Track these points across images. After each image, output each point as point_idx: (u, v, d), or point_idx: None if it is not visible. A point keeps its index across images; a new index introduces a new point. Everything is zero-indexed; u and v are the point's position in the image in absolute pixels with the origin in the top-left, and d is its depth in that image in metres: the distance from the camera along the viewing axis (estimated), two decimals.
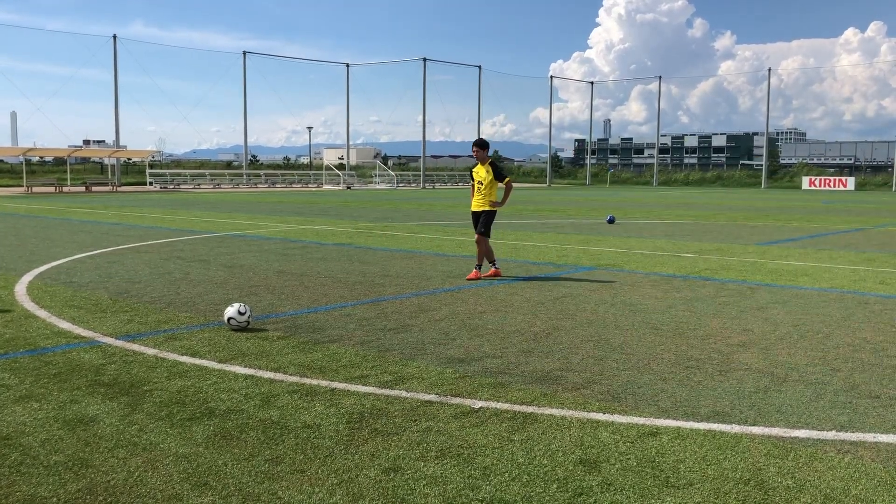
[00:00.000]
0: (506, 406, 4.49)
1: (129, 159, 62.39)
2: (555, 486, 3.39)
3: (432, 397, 4.65)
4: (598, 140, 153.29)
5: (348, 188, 56.08)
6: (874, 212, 27.50)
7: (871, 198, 44.28)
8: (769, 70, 67.94)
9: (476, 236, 9.73)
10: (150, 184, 51.70)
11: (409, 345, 6.00)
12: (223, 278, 9.51)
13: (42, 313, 7.20)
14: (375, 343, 6.06)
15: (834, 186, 61.73)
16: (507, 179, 9.76)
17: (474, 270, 9.67)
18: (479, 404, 4.52)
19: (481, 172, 9.77)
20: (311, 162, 76.99)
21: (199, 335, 6.32)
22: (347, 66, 69.74)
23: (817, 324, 6.91)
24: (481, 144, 9.84)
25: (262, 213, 23.61)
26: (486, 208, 9.71)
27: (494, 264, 9.80)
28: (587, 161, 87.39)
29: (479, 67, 69.02)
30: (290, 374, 5.14)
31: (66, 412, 4.35)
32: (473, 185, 9.87)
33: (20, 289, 8.63)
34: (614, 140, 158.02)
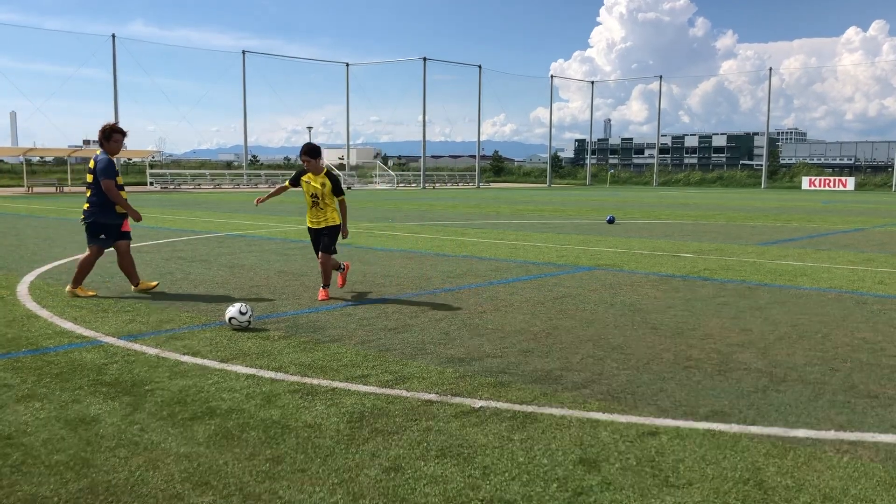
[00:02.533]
0: (506, 406, 4.51)
1: (128, 159, 62.36)
2: (555, 485, 3.41)
3: (432, 397, 4.67)
4: (599, 140, 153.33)
5: (348, 188, 56.11)
6: (874, 212, 27.51)
7: (870, 198, 44.29)
8: (770, 70, 68.02)
9: (320, 255, 8.21)
10: (151, 184, 51.72)
11: (410, 344, 6.02)
12: (224, 278, 9.53)
13: (44, 313, 7.21)
14: (376, 343, 6.08)
15: (834, 186, 61.73)
16: (342, 197, 8.29)
17: (322, 290, 8.18)
18: (479, 404, 4.54)
19: (315, 183, 8.14)
20: None
21: (201, 335, 6.34)
22: (347, 65, 69.76)
23: (816, 324, 6.93)
24: (310, 152, 8.16)
25: (263, 213, 23.62)
26: (331, 224, 8.22)
27: (328, 285, 8.25)
28: (587, 161, 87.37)
29: (479, 67, 68.96)
30: (291, 374, 5.15)
31: (68, 412, 4.37)
32: (305, 195, 8.32)
33: (22, 289, 8.64)
34: (615, 140, 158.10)
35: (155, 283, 8.74)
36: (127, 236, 8.55)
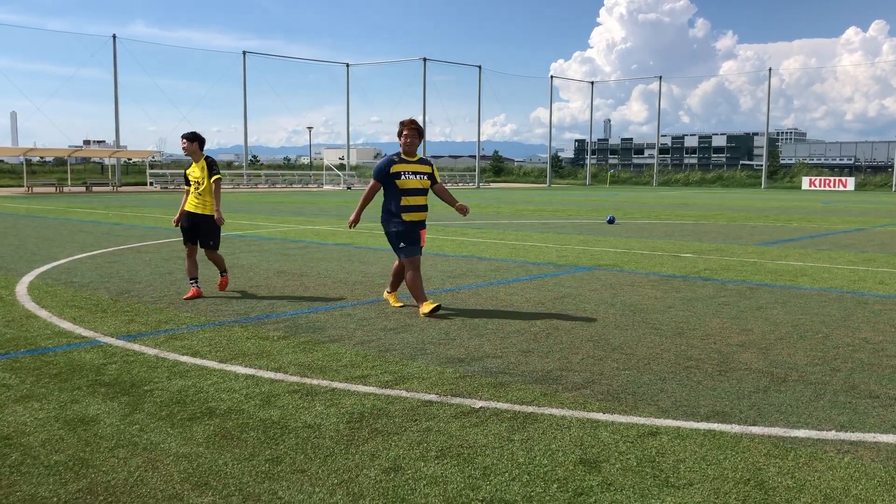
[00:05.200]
0: (506, 406, 4.50)
1: (129, 159, 62.42)
2: (555, 485, 3.40)
3: (432, 397, 4.66)
4: (599, 140, 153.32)
5: (349, 188, 56.11)
6: (874, 212, 27.51)
7: (870, 198, 44.29)
8: (769, 70, 68.07)
9: (206, 251, 8.48)
10: (151, 184, 51.72)
11: (410, 345, 6.01)
12: None
13: (43, 313, 7.20)
14: (376, 343, 6.07)
15: (834, 187, 61.74)
16: (217, 177, 8.23)
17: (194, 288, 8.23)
18: (479, 404, 4.53)
19: (196, 172, 8.27)
20: (311, 162, 77.02)
21: (200, 335, 6.33)
22: (347, 66, 69.76)
23: (817, 324, 6.92)
24: (191, 137, 8.22)
25: (263, 214, 23.62)
26: (209, 212, 8.28)
27: (223, 272, 8.60)
28: (587, 161, 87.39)
29: (479, 67, 69.01)
30: (291, 374, 5.14)
31: (67, 412, 4.36)
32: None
33: (21, 289, 8.63)
34: (614, 140, 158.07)
35: (400, 303, 7.65)
36: (421, 251, 7.50)
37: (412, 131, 7.30)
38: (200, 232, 8.37)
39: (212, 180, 8.20)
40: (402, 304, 7.57)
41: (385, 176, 7.30)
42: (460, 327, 6.67)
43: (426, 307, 7.13)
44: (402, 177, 7.27)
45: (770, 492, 3.34)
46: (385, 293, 7.85)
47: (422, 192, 7.38)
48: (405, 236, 7.34)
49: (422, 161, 7.48)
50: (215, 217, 8.29)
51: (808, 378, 5.13)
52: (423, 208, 7.44)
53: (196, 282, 8.29)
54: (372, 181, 7.45)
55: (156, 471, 3.54)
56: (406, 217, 7.30)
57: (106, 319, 6.95)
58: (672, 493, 3.33)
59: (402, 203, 7.29)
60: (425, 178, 7.40)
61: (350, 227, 7.65)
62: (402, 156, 7.34)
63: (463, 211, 7.59)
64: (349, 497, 3.28)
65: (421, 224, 7.46)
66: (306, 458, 3.70)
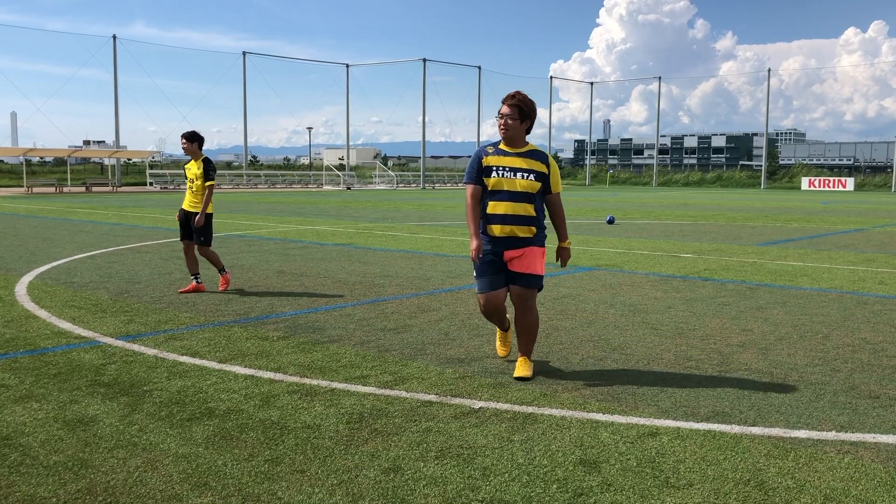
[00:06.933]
0: (506, 406, 4.49)
1: (129, 160, 62.40)
2: (555, 486, 3.40)
3: (432, 397, 4.65)
4: (598, 140, 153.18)
5: (348, 189, 56.12)
6: (873, 212, 27.50)
7: (870, 198, 44.29)
8: (769, 71, 68.15)
9: (197, 247, 8.63)
10: (151, 184, 51.73)
11: (409, 345, 6.00)
12: None
13: (42, 313, 7.20)
14: (375, 343, 6.06)
15: (833, 187, 61.75)
16: (210, 183, 8.55)
17: (194, 283, 8.56)
18: (479, 404, 4.52)
19: (193, 169, 8.67)
20: (311, 162, 77.03)
21: (200, 335, 6.33)
22: (347, 66, 69.78)
23: (817, 324, 6.91)
24: (190, 137, 8.61)
25: (262, 214, 23.61)
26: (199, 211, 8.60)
27: (222, 271, 8.84)
28: (587, 161, 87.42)
29: (479, 68, 69.10)
30: (290, 375, 5.14)
31: (66, 412, 4.35)
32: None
33: (20, 289, 8.63)
34: (614, 140, 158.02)
35: (529, 373, 5.14)
36: (526, 281, 5.14)
37: (512, 108, 5.02)
38: (192, 228, 8.64)
39: (206, 184, 8.53)
40: (530, 375, 5.16)
41: (478, 175, 5.11)
42: (460, 327, 6.67)
43: (521, 370, 5.17)
44: (494, 174, 5.05)
45: (770, 492, 3.34)
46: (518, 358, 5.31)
47: (522, 197, 5.02)
48: (481, 262, 5.13)
49: (532, 154, 5.11)
50: (195, 218, 8.51)
51: (808, 378, 5.12)
52: (521, 220, 5.04)
53: (197, 277, 8.59)
54: (467, 188, 5.21)
55: (155, 471, 3.53)
56: (492, 230, 5.10)
57: (105, 319, 6.95)
58: (672, 493, 3.33)
59: (489, 210, 5.08)
60: (531, 177, 5.03)
61: (476, 255, 5.12)
62: (501, 145, 5.16)
63: (563, 257, 5.33)
64: (349, 497, 3.27)
65: (514, 242, 5.07)
66: (306, 458, 3.70)
